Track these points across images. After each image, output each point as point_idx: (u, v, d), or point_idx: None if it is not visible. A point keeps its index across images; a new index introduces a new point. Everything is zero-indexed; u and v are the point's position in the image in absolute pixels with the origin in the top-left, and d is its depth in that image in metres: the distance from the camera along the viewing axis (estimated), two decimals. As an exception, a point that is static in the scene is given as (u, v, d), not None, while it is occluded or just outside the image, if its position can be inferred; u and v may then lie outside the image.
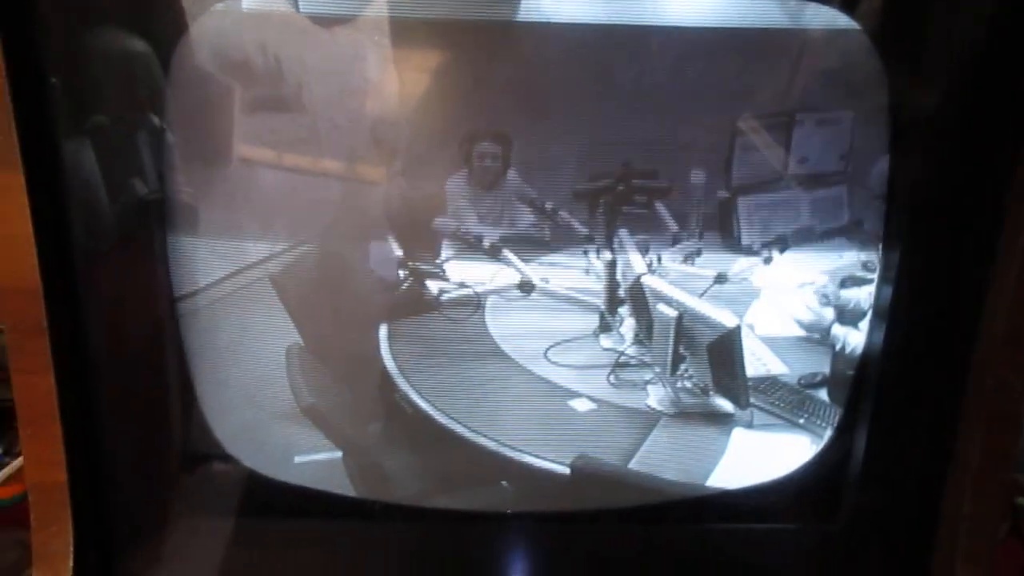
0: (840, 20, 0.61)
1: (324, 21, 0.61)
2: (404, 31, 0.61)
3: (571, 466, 0.72)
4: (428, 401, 0.70)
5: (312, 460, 0.74)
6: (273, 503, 0.73)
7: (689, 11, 0.61)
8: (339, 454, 0.73)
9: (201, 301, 0.68)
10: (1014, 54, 0.59)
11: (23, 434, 0.64)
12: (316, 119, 0.63)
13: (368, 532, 0.75)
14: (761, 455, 0.73)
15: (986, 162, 0.62)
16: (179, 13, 0.60)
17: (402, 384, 0.69)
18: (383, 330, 0.68)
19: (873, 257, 0.68)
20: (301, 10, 0.61)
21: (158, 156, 0.64)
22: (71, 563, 0.66)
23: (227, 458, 0.72)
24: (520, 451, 0.71)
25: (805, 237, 0.68)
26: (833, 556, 0.74)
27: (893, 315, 0.68)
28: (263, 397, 0.71)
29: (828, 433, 0.73)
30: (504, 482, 0.73)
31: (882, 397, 0.71)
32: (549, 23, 0.60)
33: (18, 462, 0.89)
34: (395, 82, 0.62)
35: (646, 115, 0.63)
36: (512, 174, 0.64)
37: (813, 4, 0.62)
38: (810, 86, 0.64)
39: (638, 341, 0.69)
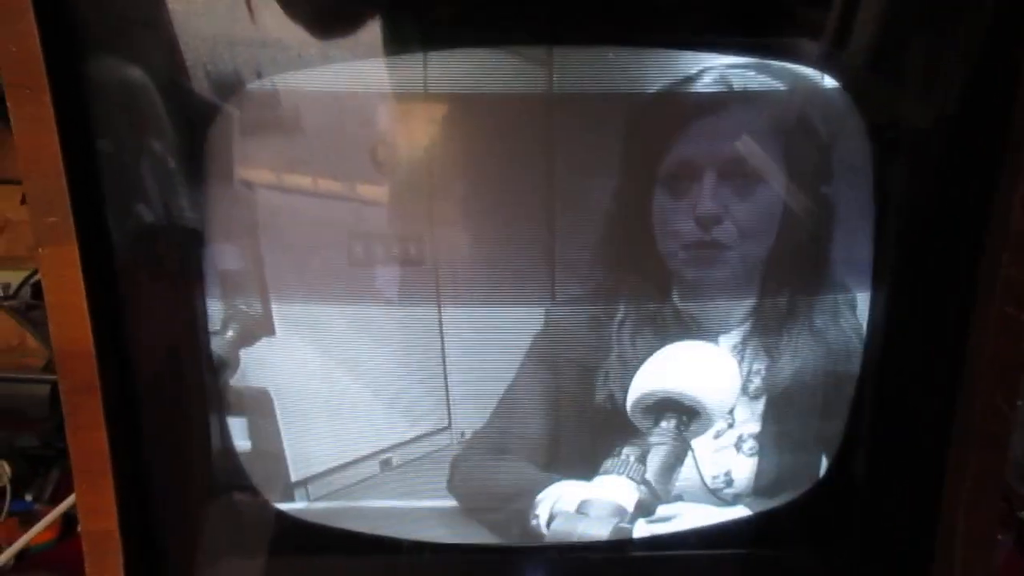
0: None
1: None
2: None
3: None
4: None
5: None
6: (310, 541, 0.78)
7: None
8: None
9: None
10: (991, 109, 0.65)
11: (78, 487, 0.69)
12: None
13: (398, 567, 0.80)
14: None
15: (964, 202, 0.68)
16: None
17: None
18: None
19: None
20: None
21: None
22: (124, 607, 0.71)
23: (265, 501, 0.77)
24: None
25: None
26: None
27: (882, 354, 0.74)
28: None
29: (824, 463, 0.78)
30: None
31: (876, 426, 0.76)
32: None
33: (60, 508, 0.94)
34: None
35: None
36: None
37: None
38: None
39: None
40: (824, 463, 0.78)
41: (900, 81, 0.67)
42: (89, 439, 0.67)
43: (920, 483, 0.74)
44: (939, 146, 0.67)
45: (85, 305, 0.64)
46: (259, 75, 0.64)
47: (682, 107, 0.68)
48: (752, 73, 0.68)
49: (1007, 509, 0.94)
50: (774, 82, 0.68)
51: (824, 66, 0.67)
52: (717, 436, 0.76)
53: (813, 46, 0.66)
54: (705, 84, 0.67)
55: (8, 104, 0.60)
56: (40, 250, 0.63)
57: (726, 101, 0.68)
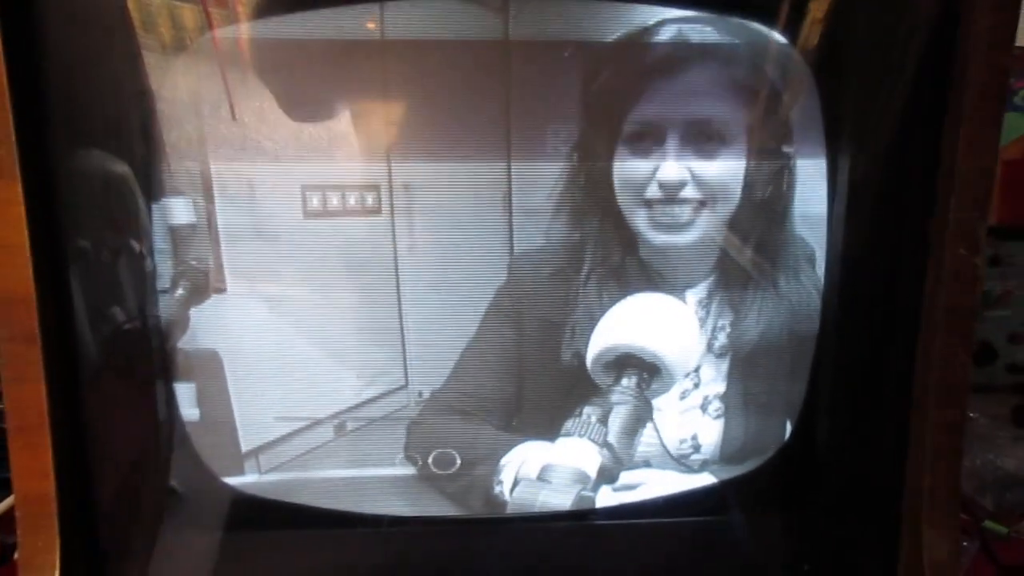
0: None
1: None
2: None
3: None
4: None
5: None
6: (261, 516, 0.75)
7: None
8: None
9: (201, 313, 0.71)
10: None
11: (12, 444, 0.65)
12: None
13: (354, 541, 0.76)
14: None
15: (912, 164, 0.69)
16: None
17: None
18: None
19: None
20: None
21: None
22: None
23: (213, 473, 0.74)
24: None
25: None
26: (806, 538, 0.77)
27: (839, 305, 0.74)
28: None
29: (788, 426, 0.77)
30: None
31: (838, 385, 0.76)
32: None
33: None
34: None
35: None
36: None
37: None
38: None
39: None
40: (789, 428, 0.77)
41: (848, 37, 0.69)
42: (26, 393, 0.64)
43: (884, 443, 0.74)
44: (886, 99, 0.69)
45: (28, 246, 0.62)
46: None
47: (641, 62, 0.69)
48: (709, 28, 0.69)
49: (970, 520, 0.94)
50: (730, 38, 0.69)
51: (775, 23, 0.69)
52: (683, 397, 0.75)
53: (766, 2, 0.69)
54: (662, 37, 0.68)
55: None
56: (-20, 188, 0.61)
57: (686, 57, 0.69)
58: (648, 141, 0.70)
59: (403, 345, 0.70)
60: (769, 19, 0.69)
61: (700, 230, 0.73)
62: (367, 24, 0.64)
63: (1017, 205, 1.30)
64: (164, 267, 0.69)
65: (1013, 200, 1.31)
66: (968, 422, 0.76)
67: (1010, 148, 1.31)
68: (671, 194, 0.71)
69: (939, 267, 0.69)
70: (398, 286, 0.69)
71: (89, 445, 0.68)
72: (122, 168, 0.67)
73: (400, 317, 0.70)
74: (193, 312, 0.71)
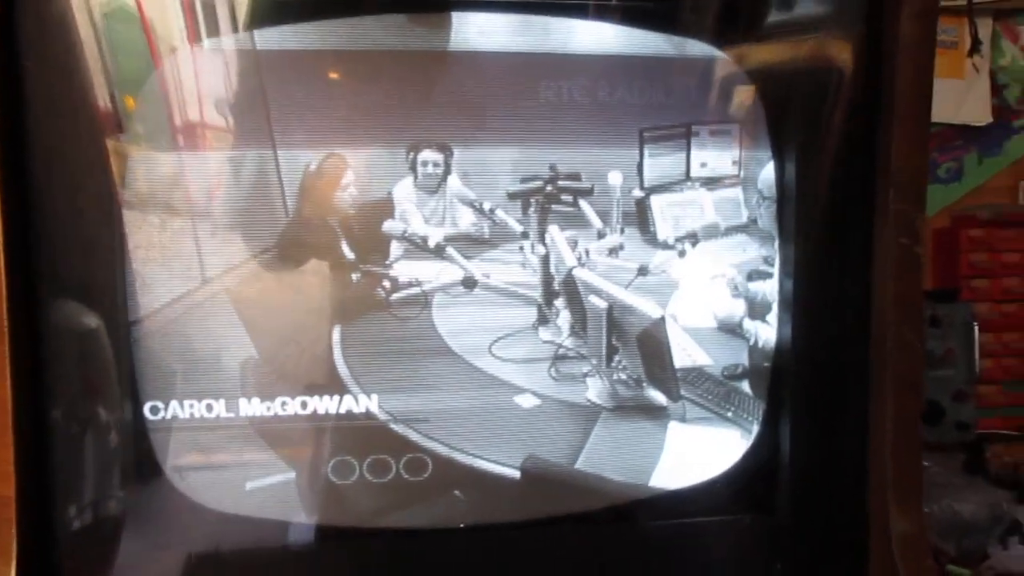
0: (713, 51, 0.75)
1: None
2: (356, 59, 0.70)
3: (520, 468, 0.74)
4: (380, 406, 0.72)
5: (264, 485, 0.74)
6: (223, 532, 0.73)
7: (596, 41, 0.73)
8: (291, 475, 0.74)
9: (156, 321, 0.71)
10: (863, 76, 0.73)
11: (-28, 444, 0.64)
12: (271, 138, 0.70)
13: (322, 557, 0.75)
14: (698, 451, 0.78)
15: (852, 162, 0.74)
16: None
17: (354, 389, 0.72)
18: (336, 334, 0.72)
19: (772, 252, 0.77)
20: (258, 47, 0.70)
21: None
22: (12, 583, 0.64)
23: (174, 488, 0.72)
24: (471, 455, 0.74)
25: (711, 232, 0.77)
26: (777, 538, 0.77)
27: (794, 304, 0.77)
28: (216, 418, 0.72)
29: (755, 427, 0.78)
30: (457, 492, 0.75)
31: (798, 385, 0.78)
32: (479, 51, 0.71)
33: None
34: (346, 102, 0.71)
35: (567, 126, 0.73)
36: (453, 179, 0.72)
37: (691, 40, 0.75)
38: (701, 103, 0.76)
39: (574, 333, 0.75)
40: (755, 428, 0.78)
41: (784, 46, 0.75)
42: (-10, 389, 0.63)
43: (845, 438, 0.76)
44: (824, 101, 0.74)
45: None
46: None
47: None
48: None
49: (935, 566, 0.96)
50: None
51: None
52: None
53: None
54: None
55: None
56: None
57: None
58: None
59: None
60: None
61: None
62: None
63: (948, 270, 1.38)
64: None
65: (944, 265, 1.39)
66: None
67: (937, 218, 1.40)
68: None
69: (884, 255, 0.73)
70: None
71: (50, 447, 0.67)
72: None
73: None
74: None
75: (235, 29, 0.68)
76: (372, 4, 0.69)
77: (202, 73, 0.69)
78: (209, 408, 0.71)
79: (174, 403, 0.71)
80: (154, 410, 0.71)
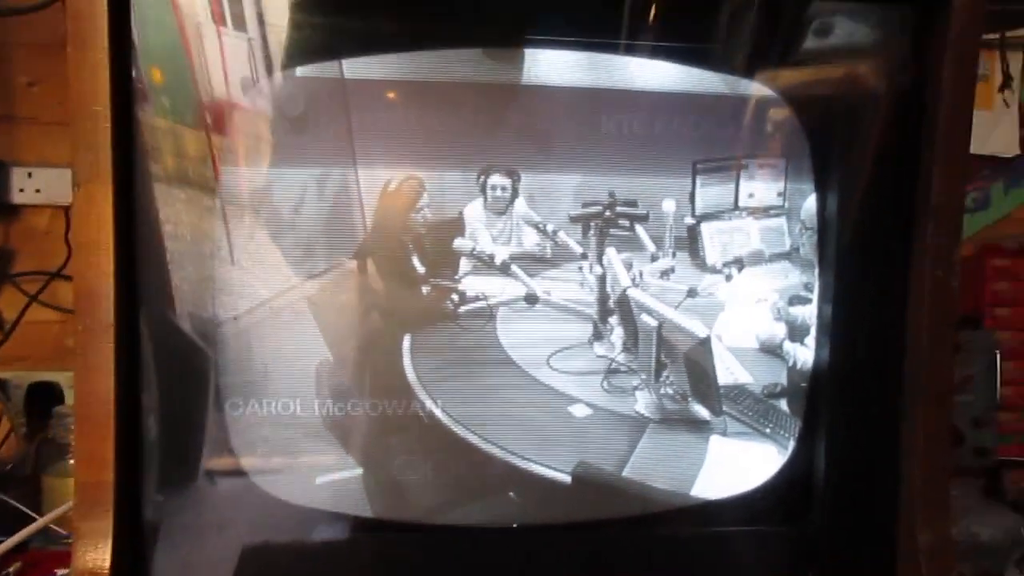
0: (764, 90, 0.80)
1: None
2: (435, 89, 0.76)
3: (571, 474, 0.80)
4: (444, 411, 0.78)
5: (333, 480, 0.79)
6: (294, 524, 0.78)
7: (656, 78, 0.78)
8: (359, 471, 0.79)
9: (240, 324, 0.77)
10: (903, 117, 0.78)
11: (78, 433, 0.70)
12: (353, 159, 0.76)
13: (383, 550, 0.80)
14: (737, 464, 0.83)
15: (891, 197, 0.79)
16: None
17: (421, 394, 0.77)
18: (406, 342, 0.78)
19: (812, 279, 0.82)
20: (346, 76, 0.76)
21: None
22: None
23: (250, 480, 0.78)
24: (527, 459, 0.79)
25: (757, 259, 0.82)
26: (809, 549, 0.82)
27: (831, 329, 0.82)
28: (292, 416, 0.78)
29: (791, 443, 0.83)
30: (511, 493, 0.80)
31: (833, 404, 0.83)
32: (548, 85, 0.77)
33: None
34: (424, 128, 0.77)
35: (626, 156, 0.78)
36: (519, 202, 0.78)
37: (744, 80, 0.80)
38: (750, 138, 0.81)
39: (626, 348, 0.81)
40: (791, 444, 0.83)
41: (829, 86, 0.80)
42: (97, 383, 0.69)
43: (876, 455, 0.81)
44: (866, 139, 0.79)
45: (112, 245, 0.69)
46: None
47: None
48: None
49: None
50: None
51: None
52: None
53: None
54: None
55: None
56: (75, 189, 0.68)
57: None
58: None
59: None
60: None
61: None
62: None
63: (969, 297, 1.42)
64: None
65: (965, 292, 1.43)
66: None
67: (962, 246, 1.43)
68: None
69: (919, 289, 0.78)
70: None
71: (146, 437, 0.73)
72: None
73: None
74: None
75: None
76: (452, 38, 0.75)
77: (289, 100, 0.75)
78: (286, 407, 0.77)
79: (253, 401, 0.77)
80: (234, 406, 0.77)
